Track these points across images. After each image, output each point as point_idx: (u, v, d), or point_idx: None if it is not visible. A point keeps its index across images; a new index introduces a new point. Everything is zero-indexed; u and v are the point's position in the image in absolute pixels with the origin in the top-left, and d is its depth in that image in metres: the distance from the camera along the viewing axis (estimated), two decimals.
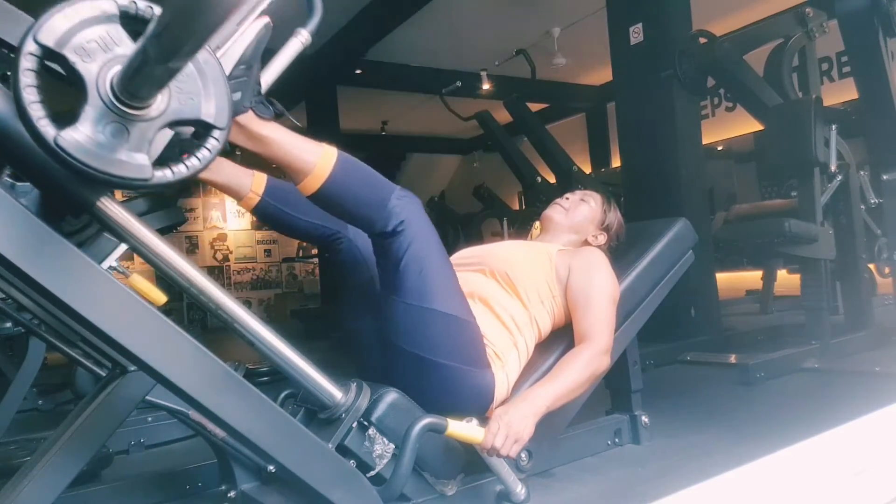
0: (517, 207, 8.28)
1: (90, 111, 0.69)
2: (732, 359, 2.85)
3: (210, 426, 1.25)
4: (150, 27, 0.63)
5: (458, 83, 6.00)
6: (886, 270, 3.59)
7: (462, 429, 1.20)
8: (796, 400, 2.25)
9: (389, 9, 5.41)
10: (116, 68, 0.69)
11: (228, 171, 1.30)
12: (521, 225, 5.95)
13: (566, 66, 6.51)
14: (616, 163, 6.85)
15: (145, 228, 0.89)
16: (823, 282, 2.85)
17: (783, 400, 2.24)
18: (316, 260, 8.23)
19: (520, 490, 1.26)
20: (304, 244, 8.13)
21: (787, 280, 4.74)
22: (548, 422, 1.41)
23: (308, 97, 7.04)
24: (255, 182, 1.32)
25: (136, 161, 0.71)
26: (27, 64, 0.66)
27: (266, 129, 1.10)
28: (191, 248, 8.57)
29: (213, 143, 0.76)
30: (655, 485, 1.38)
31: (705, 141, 3.88)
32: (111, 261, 0.91)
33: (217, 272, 8.72)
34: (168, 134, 0.81)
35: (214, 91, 0.76)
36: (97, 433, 1.03)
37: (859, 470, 1.49)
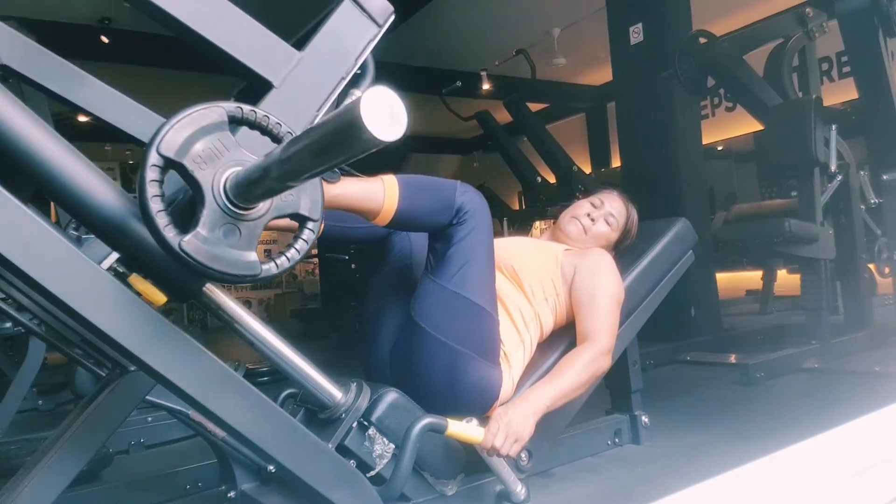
0: (517, 207, 8.29)
1: (207, 214, 0.74)
2: (732, 359, 2.85)
3: (210, 426, 1.25)
4: (277, 152, 0.69)
5: (458, 83, 6.00)
6: (886, 270, 3.59)
7: (462, 429, 1.20)
8: (796, 400, 2.25)
9: (394, 14, 5.40)
10: (228, 172, 0.75)
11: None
12: (521, 225, 5.95)
13: (566, 66, 6.51)
14: (616, 163, 6.85)
15: (244, 311, 0.98)
16: (823, 282, 2.85)
17: (783, 400, 2.24)
18: (316, 260, 8.22)
19: (520, 490, 1.27)
20: None
21: (787, 280, 4.74)
22: (548, 422, 1.41)
23: None
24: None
25: (247, 259, 0.78)
26: (152, 175, 0.71)
27: (335, 189, 1.16)
28: None
29: (308, 234, 0.82)
30: (655, 485, 1.38)
31: (705, 141, 3.89)
32: (111, 261, 0.91)
33: None
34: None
35: (310, 186, 0.82)
36: (97, 433, 1.03)
37: (859, 470, 1.49)
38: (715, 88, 6.02)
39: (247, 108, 0.76)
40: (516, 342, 1.43)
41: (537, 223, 6.29)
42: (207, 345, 0.88)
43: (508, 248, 1.58)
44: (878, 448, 1.65)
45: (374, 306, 1.43)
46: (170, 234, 0.72)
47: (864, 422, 1.70)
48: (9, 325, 2.22)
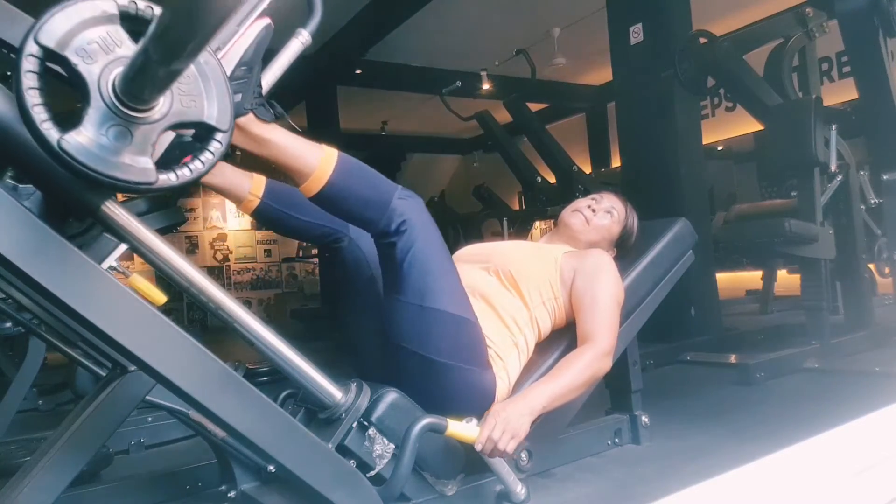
0: (517, 207, 8.28)
1: (93, 114, 0.68)
2: (732, 359, 2.85)
3: (210, 426, 1.25)
4: (151, 28, 0.63)
5: (458, 83, 5.99)
6: (886, 270, 3.59)
7: (462, 429, 1.20)
8: (796, 400, 2.25)
9: (389, 9, 5.41)
10: (118, 70, 0.69)
11: (228, 174, 1.29)
12: (521, 225, 5.95)
13: (566, 66, 6.51)
14: (616, 163, 6.85)
15: (150, 232, 0.89)
16: (823, 282, 2.85)
17: (783, 400, 2.24)
18: (316, 260, 8.23)
19: (520, 490, 1.26)
20: (305, 244, 8.13)
21: (787, 280, 4.74)
22: (548, 422, 1.41)
23: (308, 97, 7.04)
24: (254, 185, 1.31)
25: (140, 164, 0.71)
26: (29, 66, 0.65)
27: (267, 131, 1.10)
28: (191, 248, 8.56)
29: (215, 145, 0.75)
30: (655, 485, 1.38)
31: (705, 141, 3.88)
32: (111, 261, 0.91)
33: (217, 272, 8.71)
34: (170, 136, 0.81)
35: (216, 93, 0.75)
36: (97, 433, 1.03)
37: (859, 470, 1.49)
38: (715, 88, 6.02)
39: (142, 3, 0.70)
40: (509, 343, 1.42)
41: (537, 223, 6.29)
42: (207, 345, 0.88)
43: (506, 251, 1.58)
44: (878, 448, 1.65)
45: (349, 326, 1.42)
46: (48, 130, 0.65)
47: (864, 422, 1.70)
48: (9, 325, 2.22)
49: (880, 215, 3.46)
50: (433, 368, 1.26)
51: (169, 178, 0.72)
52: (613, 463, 1.59)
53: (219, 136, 0.75)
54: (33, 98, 0.65)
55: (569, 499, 1.39)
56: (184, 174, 0.73)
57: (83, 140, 0.67)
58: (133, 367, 1.01)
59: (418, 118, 8.78)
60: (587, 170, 7.11)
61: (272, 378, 2.74)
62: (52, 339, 1.70)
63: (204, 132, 0.76)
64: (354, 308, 1.42)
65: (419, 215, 1.23)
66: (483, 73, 6.61)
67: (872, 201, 3.52)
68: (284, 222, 1.36)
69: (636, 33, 3.65)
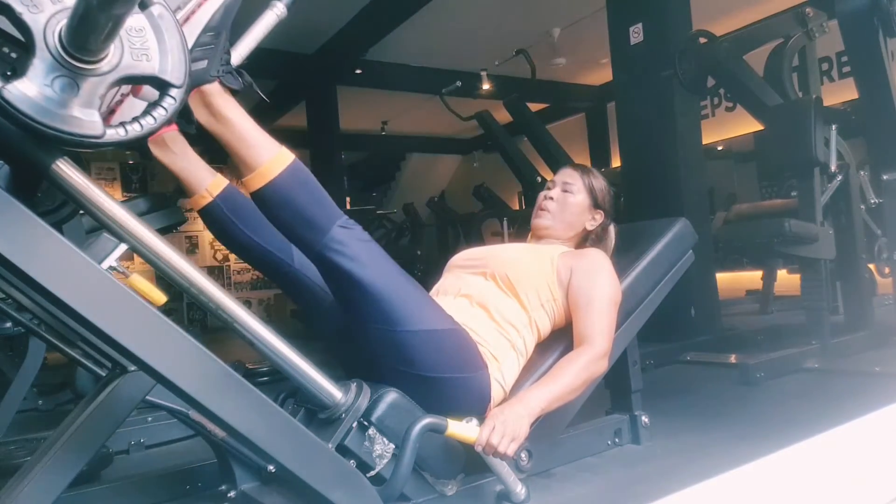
0: (517, 207, 8.28)
1: (38, 64, 0.66)
2: (732, 359, 2.85)
3: (210, 426, 1.25)
4: None
5: (458, 83, 5.99)
6: (886, 270, 3.59)
7: (462, 429, 1.20)
8: (796, 400, 2.25)
9: (389, 9, 5.41)
10: (66, 21, 0.67)
11: (192, 161, 1.26)
12: (521, 225, 5.95)
13: (566, 66, 6.51)
14: (616, 163, 6.85)
15: (103, 193, 0.86)
16: (823, 282, 2.85)
17: (783, 400, 2.24)
18: None
19: (520, 490, 1.26)
20: None
21: (787, 280, 4.74)
22: (547, 422, 1.41)
23: (308, 97, 7.04)
24: (213, 183, 1.29)
25: (88, 117, 0.68)
26: None
27: (229, 108, 1.07)
28: (191, 248, 8.56)
29: (169, 101, 0.72)
30: (655, 485, 1.37)
31: (705, 141, 3.88)
32: (111, 261, 0.91)
33: (217, 272, 8.71)
34: (117, 93, 0.78)
35: (171, 47, 0.73)
36: (97, 433, 1.03)
37: (859, 470, 1.49)
38: (715, 88, 6.02)
39: None
40: (505, 346, 1.41)
41: None
42: (207, 345, 0.88)
43: (502, 255, 1.57)
44: (878, 448, 1.65)
45: (337, 347, 1.39)
46: None
47: (864, 422, 1.70)
48: (9, 325, 2.22)
49: (880, 215, 3.46)
50: (425, 383, 1.25)
51: (118, 133, 0.70)
52: (613, 463, 1.59)
53: (173, 91, 0.73)
54: None
55: (569, 499, 1.39)
56: (134, 129, 0.70)
57: (27, 90, 0.64)
58: (133, 367, 1.01)
59: (418, 118, 8.78)
60: None
61: (272, 378, 2.75)
62: (52, 339, 1.70)
63: (157, 87, 0.73)
64: (328, 330, 1.38)
65: (360, 245, 1.17)
66: (483, 73, 6.60)
67: (872, 201, 3.52)
68: (230, 231, 1.31)
69: (636, 33, 3.65)
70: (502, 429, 1.20)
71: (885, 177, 3.06)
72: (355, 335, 1.28)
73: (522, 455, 1.38)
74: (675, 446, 1.70)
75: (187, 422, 1.28)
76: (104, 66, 0.69)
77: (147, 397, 1.11)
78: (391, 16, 5.51)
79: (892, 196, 3.08)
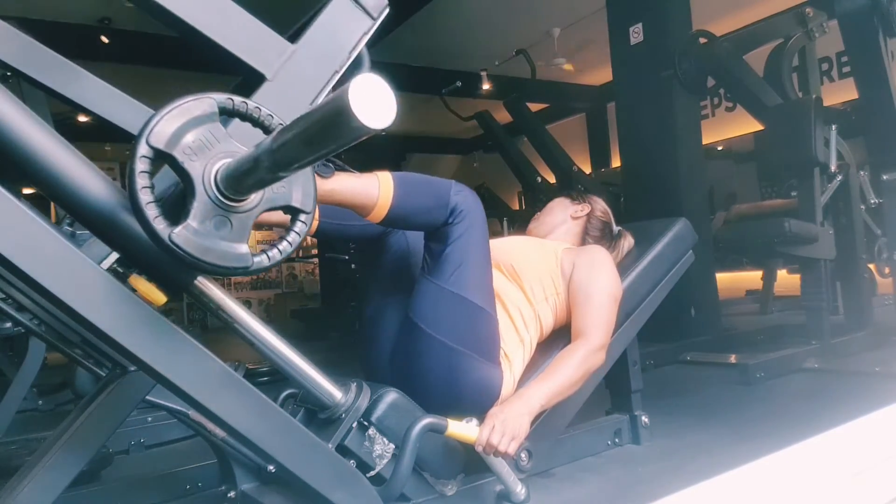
0: (517, 207, 8.28)
1: (198, 207, 0.74)
2: (732, 359, 2.85)
3: (210, 426, 1.25)
4: (267, 142, 0.69)
5: (458, 83, 6.00)
6: (886, 270, 3.59)
7: (462, 429, 1.20)
8: (796, 400, 2.25)
9: (389, 9, 5.40)
10: (219, 164, 0.75)
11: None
12: (521, 225, 5.94)
13: (566, 66, 6.50)
14: (616, 163, 6.85)
15: (238, 306, 0.97)
16: (823, 282, 2.85)
17: (783, 400, 2.24)
18: (316, 260, 8.22)
19: (520, 490, 1.26)
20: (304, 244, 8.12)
21: (787, 280, 4.74)
22: (548, 422, 1.42)
23: None
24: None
25: (238, 251, 0.77)
26: (141, 166, 0.71)
27: (330, 184, 1.15)
28: None
29: (300, 226, 0.81)
30: (655, 485, 1.38)
31: (705, 141, 3.88)
32: (111, 261, 0.91)
33: None
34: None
35: (302, 178, 0.81)
36: (97, 433, 1.03)
37: (859, 470, 1.49)
38: (715, 88, 6.02)
39: (237, 99, 0.76)
40: (516, 342, 1.43)
41: None
42: (207, 345, 0.88)
43: (508, 247, 1.58)
44: (878, 448, 1.65)
45: (373, 307, 1.43)
46: (160, 225, 0.72)
47: (864, 422, 1.70)
48: (9, 325, 2.22)
49: (880, 215, 3.46)
50: (444, 352, 1.27)
51: (262, 261, 0.79)
52: (613, 463, 1.59)
53: (303, 217, 0.81)
54: (146, 196, 0.71)
55: (569, 499, 1.39)
56: (274, 255, 0.79)
57: (190, 233, 0.73)
58: (133, 367, 1.02)
59: (418, 118, 8.78)
60: (587, 170, 7.11)
61: (272, 378, 2.75)
62: (52, 339, 1.70)
63: (291, 213, 0.82)
64: (382, 292, 1.43)
65: (474, 207, 1.29)
66: (483, 73, 6.60)
67: (872, 201, 3.52)
68: (342, 233, 1.41)
69: (636, 33, 3.65)
70: (502, 428, 1.20)
71: (885, 177, 3.06)
72: (414, 290, 1.33)
73: (522, 455, 1.38)
74: (675, 446, 1.70)
75: (187, 422, 1.28)
76: (252, 202, 0.78)
77: (147, 397, 1.11)
78: (391, 16, 5.46)
79: (892, 196, 3.08)
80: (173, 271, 0.85)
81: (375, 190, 1.19)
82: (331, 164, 1.17)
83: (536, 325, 1.48)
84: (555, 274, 1.51)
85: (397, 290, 1.39)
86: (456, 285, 1.27)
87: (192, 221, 0.73)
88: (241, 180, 0.73)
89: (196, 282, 0.90)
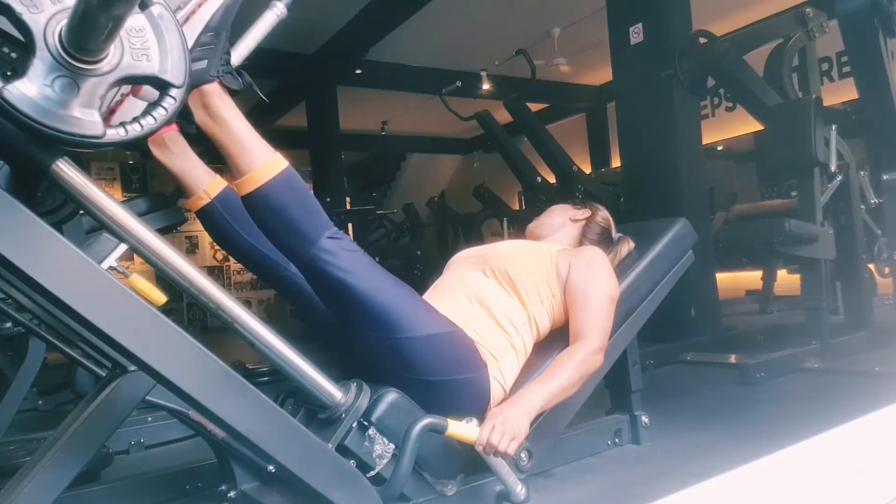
0: (517, 207, 8.27)
1: (38, 64, 0.66)
2: (732, 359, 2.85)
3: (210, 426, 1.25)
4: None
5: (458, 83, 5.99)
6: (886, 270, 3.59)
7: (462, 429, 1.20)
8: (796, 400, 2.25)
9: (389, 9, 5.41)
10: (66, 21, 0.67)
11: (191, 162, 1.27)
12: (521, 225, 5.94)
13: (566, 66, 6.50)
14: (616, 163, 6.85)
15: (103, 193, 0.86)
16: (823, 282, 2.85)
17: (783, 400, 2.24)
18: None
19: (520, 490, 1.26)
20: None
21: (787, 280, 4.74)
22: (547, 422, 1.42)
23: (308, 97, 7.04)
24: (212, 184, 1.29)
25: (88, 118, 0.69)
26: None
27: (226, 110, 1.07)
28: (191, 248, 8.56)
29: (169, 101, 0.73)
30: (655, 485, 1.38)
31: (705, 141, 3.88)
32: (111, 261, 0.91)
33: (217, 272, 8.71)
34: (117, 93, 0.79)
35: (171, 47, 0.73)
36: (97, 433, 1.03)
37: (859, 470, 1.49)
38: (715, 88, 6.02)
39: None
40: (505, 344, 1.41)
41: None
42: (207, 345, 0.88)
43: (502, 251, 1.58)
44: (878, 448, 1.65)
45: (341, 360, 1.39)
46: None
47: (864, 422, 1.70)
48: (9, 325, 2.22)
49: (880, 215, 3.46)
50: (425, 386, 1.25)
51: (118, 133, 0.70)
52: (613, 463, 1.59)
53: (173, 91, 0.73)
54: None
55: (569, 499, 1.39)
56: (134, 129, 0.71)
57: (27, 91, 0.65)
58: (133, 367, 1.01)
59: (418, 118, 8.78)
60: (587, 170, 7.11)
61: (272, 378, 2.74)
62: (52, 339, 1.70)
63: (157, 87, 0.73)
64: (326, 334, 1.38)
65: (349, 255, 1.16)
66: (483, 73, 6.60)
67: (872, 201, 3.51)
68: (226, 233, 1.32)
69: (636, 33, 3.65)
70: (502, 428, 1.20)
71: (885, 177, 3.06)
72: (352, 341, 1.28)
73: (522, 455, 1.38)
74: (675, 446, 1.70)
75: (187, 422, 1.28)
76: (104, 66, 0.70)
77: (147, 397, 1.11)
78: (391, 16, 5.51)
79: (892, 196, 3.08)
80: (22, 145, 0.75)
81: (262, 158, 1.09)
82: (239, 77, 1.08)
83: (532, 327, 1.48)
84: (550, 276, 1.50)
85: (336, 325, 1.32)
86: (393, 331, 1.19)
87: (29, 79, 0.65)
88: (79, 29, 0.65)
89: (56, 165, 0.80)
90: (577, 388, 1.38)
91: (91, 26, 0.64)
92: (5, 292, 1.40)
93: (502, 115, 5.77)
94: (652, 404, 1.76)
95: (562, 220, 1.75)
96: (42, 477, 0.96)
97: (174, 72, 0.73)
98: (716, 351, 3.04)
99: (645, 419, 1.71)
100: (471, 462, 1.29)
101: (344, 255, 1.15)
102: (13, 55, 0.72)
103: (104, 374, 1.18)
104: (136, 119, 0.71)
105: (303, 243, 1.13)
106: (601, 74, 7.56)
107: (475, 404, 1.32)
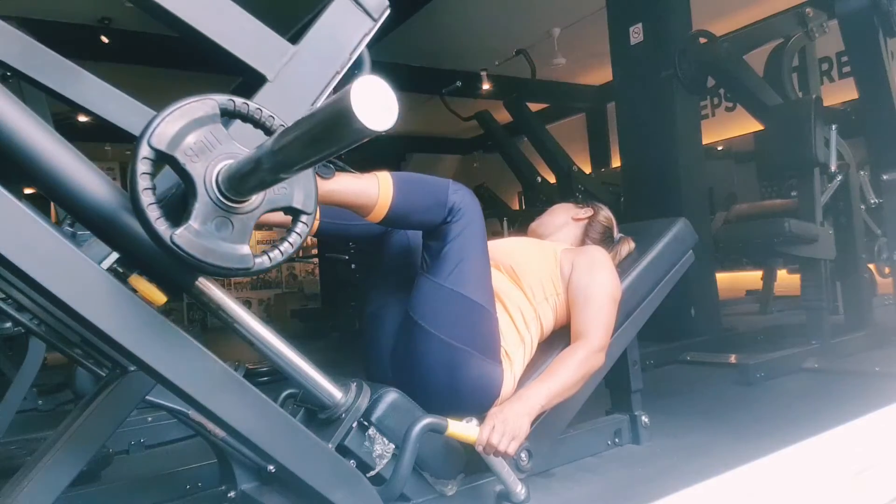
0: (517, 207, 8.28)
1: (200, 208, 0.74)
2: (732, 359, 2.85)
3: (210, 426, 1.25)
4: (268, 143, 0.69)
5: (458, 83, 6.00)
6: (886, 270, 3.59)
7: (462, 429, 1.20)
8: (796, 400, 2.25)
9: (390, 9, 5.41)
10: (220, 165, 0.75)
11: None
12: (521, 225, 5.95)
13: (566, 66, 6.51)
14: (616, 163, 6.84)
15: (238, 306, 0.97)
16: (823, 282, 2.85)
17: (783, 400, 2.24)
18: (316, 260, 8.22)
19: (520, 490, 1.26)
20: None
21: (787, 280, 4.74)
22: (547, 422, 1.42)
23: None
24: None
25: (240, 252, 0.77)
26: (143, 168, 0.71)
27: (329, 185, 1.16)
28: None
29: (301, 227, 0.81)
30: (655, 485, 1.38)
31: (705, 141, 3.88)
32: (111, 261, 0.91)
33: None
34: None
35: (303, 179, 0.82)
36: (97, 433, 1.03)
37: (859, 470, 1.49)
38: (715, 88, 6.03)
39: (239, 100, 0.76)
40: (517, 341, 1.43)
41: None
42: (207, 345, 0.88)
43: (507, 248, 1.58)
44: (878, 448, 1.65)
45: (374, 306, 1.43)
46: (161, 227, 0.72)
47: (864, 422, 1.70)
48: (9, 325, 2.22)
49: (880, 215, 3.46)
50: (445, 349, 1.27)
51: (263, 262, 0.79)
52: (613, 463, 1.59)
53: (304, 217, 0.82)
54: (147, 198, 0.71)
55: (569, 499, 1.39)
56: (276, 256, 0.80)
57: (191, 234, 0.73)
58: (133, 367, 1.02)
59: (418, 118, 8.78)
60: (587, 170, 7.11)
61: (272, 378, 2.75)
62: (52, 339, 1.70)
63: (292, 215, 0.82)
64: (383, 291, 1.44)
65: (471, 205, 1.30)
66: (483, 73, 6.60)
67: (872, 201, 3.52)
68: (344, 232, 1.42)
69: (636, 33, 3.65)
70: (502, 428, 1.20)
71: (885, 177, 3.06)
72: (413, 288, 1.33)
73: (522, 455, 1.38)
74: (675, 446, 1.70)
75: (187, 422, 1.28)
76: (253, 203, 0.78)
77: (147, 397, 1.11)
78: (391, 16, 5.48)
79: (892, 196, 3.08)
80: (175, 272, 0.85)
81: (375, 190, 1.20)
82: (331, 165, 1.18)
83: (537, 325, 1.48)
84: (554, 275, 1.51)
85: (398, 289, 1.39)
86: (455, 283, 1.28)
87: (193, 223, 0.73)
88: (242, 181, 0.74)
89: (197, 283, 0.91)
90: (578, 387, 1.39)
91: (255, 182, 0.73)
92: (5, 292, 1.40)
93: (502, 115, 5.78)
94: (652, 404, 1.76)
95: (564, 219, 1.76)
96: (42, 477, 0.96)
97: (307, 201, 0.82)
98: (716, 351, 3.04)
99: (645, 419, 1.71)
100: (471, 462, 1.29)
101: (466, 208, 1.28)
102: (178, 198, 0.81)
103: (104, 374, 1.18)
104: (275, 246, 0.79)
105: (438, 213, 1.27)
106: (601, 74, 7.56)
107: (484, 394, 1.33)
